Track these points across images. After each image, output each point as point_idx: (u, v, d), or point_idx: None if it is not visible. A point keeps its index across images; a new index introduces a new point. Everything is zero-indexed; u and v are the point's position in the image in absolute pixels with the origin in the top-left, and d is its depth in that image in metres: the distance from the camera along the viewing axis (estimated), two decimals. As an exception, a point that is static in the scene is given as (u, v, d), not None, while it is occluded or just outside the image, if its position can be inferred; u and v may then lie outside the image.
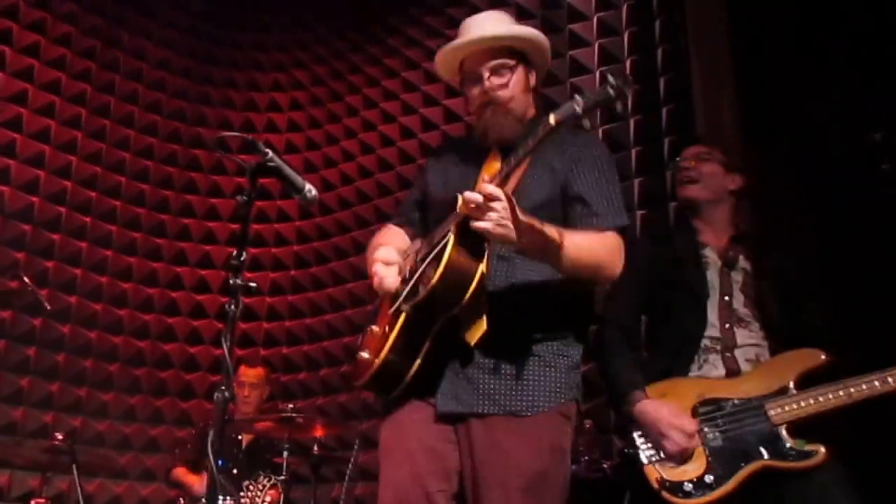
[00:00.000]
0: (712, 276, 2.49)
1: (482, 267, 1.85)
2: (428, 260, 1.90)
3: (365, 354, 2.02)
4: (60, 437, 3.71)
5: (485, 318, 1.85)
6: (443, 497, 1.89)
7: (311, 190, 1.86)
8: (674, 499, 2.22)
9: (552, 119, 1.73)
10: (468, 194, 1.73)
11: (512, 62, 2.09)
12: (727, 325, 2.41)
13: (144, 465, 5.22)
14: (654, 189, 4.20)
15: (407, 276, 1.99)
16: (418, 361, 1.92)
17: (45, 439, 4.09)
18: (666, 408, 2.29)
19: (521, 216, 1.73)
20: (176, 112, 5.82)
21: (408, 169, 5.44)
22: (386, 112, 5.66)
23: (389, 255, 2.04)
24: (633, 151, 4.38)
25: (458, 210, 1.82)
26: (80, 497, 3.66)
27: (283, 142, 5.99)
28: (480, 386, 1.91)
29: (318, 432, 4.07)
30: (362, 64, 5.82)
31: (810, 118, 3.50)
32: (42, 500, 3.72)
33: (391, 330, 1.94)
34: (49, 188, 5.13)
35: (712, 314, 2.43)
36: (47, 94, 5.19)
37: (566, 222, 1.96)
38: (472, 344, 1.86)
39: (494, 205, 1.69)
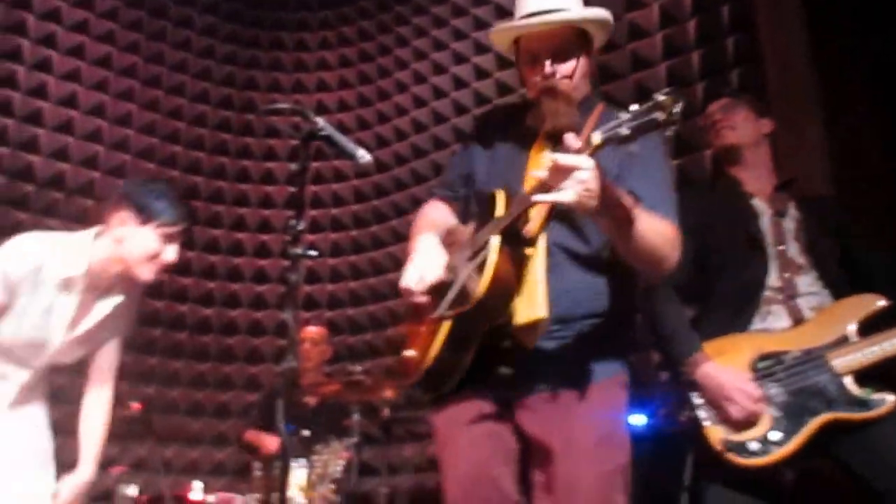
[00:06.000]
0: (764, 226, 2.41)
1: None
2: (472, 265, 1.83)
3: (411, 353, 1.98)
4: (137, 405, 3.76)
5: (544, 319, 1.79)
6: (509, 480, 1.88)
7: (364, 155, 1.82)
8: (739, 459, 2.14)
9: (597, 138, 1.61)
10: (557, 158, 1.59)
11: (576, 45, 1.94)
12: (786, 275, 2.33)
13: (218, 430, 5.33)
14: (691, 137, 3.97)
15: (449, 277, 1.91)
16: (465, 364, 1.88)
17: (121, 408, 4.16)
18: (729, 372, 2.20)
19: (608, 185, 1.62)
20: (226, 78, 5.81)
21: (462, 121, 5.32)
22: (437, 63, 5.53)
23: (427, 261, 1.91)
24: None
25: (523, 192, 1.76)
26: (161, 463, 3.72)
27: (336, 100, 5.93)
28: (531, 368, 1.88)
29: (388, 393, 4.06)
30: (409, 16, 5.68)
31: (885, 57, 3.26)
32: (122, 468, 3.80)
33: (436, 334, 1.89)
34: (108, 161, 5.18)
35: (771, 264, 2.35)
36: (99, 69, 5.22)
37: None
38: (531, 346, 1.82)
39: (581, 174, 1.57)
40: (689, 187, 3.51)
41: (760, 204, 2.45)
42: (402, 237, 5.48)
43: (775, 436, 2.14)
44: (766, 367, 2.22)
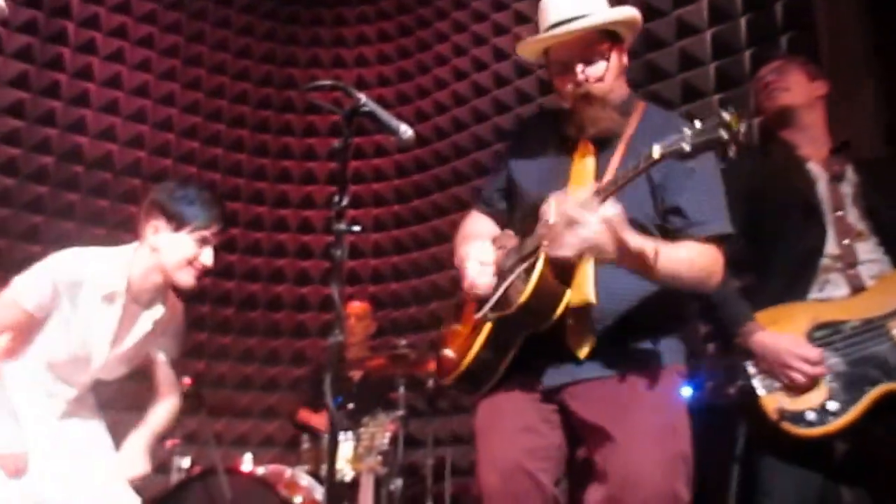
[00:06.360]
0: (821, 191, 2.32)
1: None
2: (518, 271, 1.82)
3: (449, 353, 1.99)
4: (188, 380, 3.82)
5: (592, 333, 1.81)
6: (546, 476, 1.85)
7: (406, 130, 1.79)
8: (795, 429, 2.09)
9: (656, 152, 1.61)
10: (555, 221, 1.67)
11: (605, 46, 1.89)
12: (846, 241, 2.24)
13: (266, 403, 5.43)
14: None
15: (496, 280, 1.90)
16: (503, 366, 1.89)
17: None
18: (785, 338, 2.15)
19: (620, 234, 1.64)
20: (267, 55, 5.83)
21: (503, 93, 5.27)
22: (477, 35, 5.46)
23: (484, 253, 1.93)
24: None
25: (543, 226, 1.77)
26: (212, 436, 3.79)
27: (375, 75, 5.91)
28: (580, 361, 1.85)
29: (432, 366, 4.07)
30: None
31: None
32: (176, 440, 3.89)
33: (476, 336, 1.89)
34: (153, 142, 5.26)
35: (829, 231, 2.26)
36: (142, 49, 5.28)
37: (663, 231, 1.87)
38: (581, 357, 1.82)
39: (582, 230, 1.61)
40: (740, 152, 3.41)
41: (816, 168, 2.36)
42: (444, 211, 5.48)
43: (833, 406, 2.09)
44: (824, 337, 2.16)
